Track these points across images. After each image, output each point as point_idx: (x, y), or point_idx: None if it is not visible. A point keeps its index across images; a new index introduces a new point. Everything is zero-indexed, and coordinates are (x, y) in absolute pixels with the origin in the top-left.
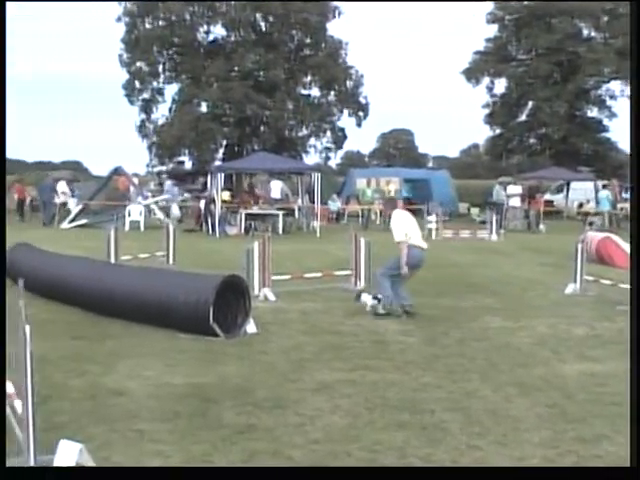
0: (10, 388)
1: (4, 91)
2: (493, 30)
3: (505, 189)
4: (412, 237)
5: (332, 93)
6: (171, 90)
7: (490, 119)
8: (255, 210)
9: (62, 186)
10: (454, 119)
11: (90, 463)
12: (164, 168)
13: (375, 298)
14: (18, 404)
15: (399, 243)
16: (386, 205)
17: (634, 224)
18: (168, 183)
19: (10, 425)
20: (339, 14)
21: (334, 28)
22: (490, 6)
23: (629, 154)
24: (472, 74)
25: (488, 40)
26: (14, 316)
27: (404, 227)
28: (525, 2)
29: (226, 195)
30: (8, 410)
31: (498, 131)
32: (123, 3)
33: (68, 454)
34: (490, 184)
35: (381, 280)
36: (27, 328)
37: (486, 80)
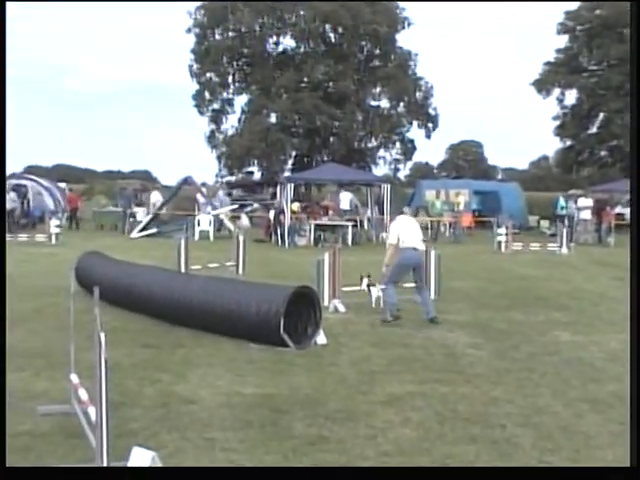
0: (84, 395)
1: (4, 91)
2: (564, 41)
3: (576, 202)
4: (405, 240)
5: (401, 104)
6: (240, 101)
7: (560, 131)
8: (324, 221)
9: (156, 196)
10: (524, 131)
11: None
12: (233, 178)
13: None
14: (92, 411)
15: (389, 245)
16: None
17: (634, 224)
18: (220, 193)
19: (82, 431)
20: (408, 25)
21: (403, 39)
22: (560, 16)
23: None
24: (542, 85)
25: (558, 51)
26: (87, 323)
27: (397, 231)
28: (597, 12)
29: (295, 206)
30: (81, 417)
31: (569, 143)
32: (193, 15)
33: (140, 461)
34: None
35: (387, 288)
36: (102, 336)
37: (556, 91)
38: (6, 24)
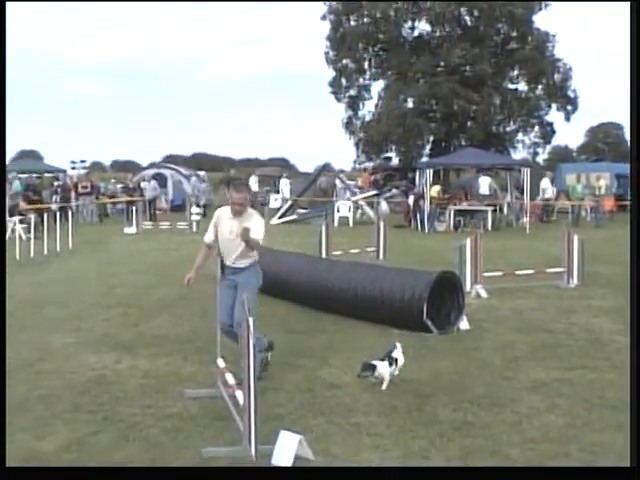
0: (230, 379)
1: (4, 91)
2: None
3: None
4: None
5: (540, 87)
6: (377, 86)
7: None
8: (464, 206)
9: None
10: None
11: (309, 454)
12: (371, 164)
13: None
14: (239, 394)
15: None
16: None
17: (634, 224)
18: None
19: (228, 415)
20: (545, 6)
21: (541, 20)
22: None
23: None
24: None
25: None
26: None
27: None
28: None
29: (435, 191)
30: (228, 401)
31: None
32: (327, 2)
33: (288, 445)
34: None
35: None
36: (251, 320)
37: None
38: (6, 24)
